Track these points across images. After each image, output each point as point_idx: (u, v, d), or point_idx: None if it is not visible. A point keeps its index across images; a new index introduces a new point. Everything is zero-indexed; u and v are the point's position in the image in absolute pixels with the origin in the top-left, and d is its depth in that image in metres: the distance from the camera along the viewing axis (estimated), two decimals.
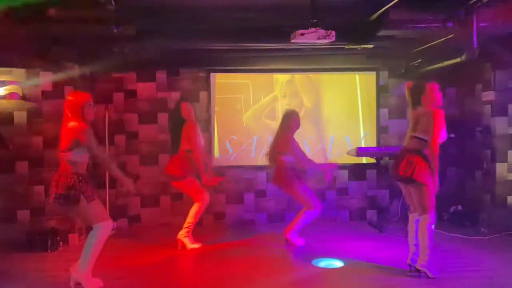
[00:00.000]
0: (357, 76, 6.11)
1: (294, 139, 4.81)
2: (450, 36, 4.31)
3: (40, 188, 5.05)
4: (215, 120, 5.97)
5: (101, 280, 3.67)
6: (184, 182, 4.81)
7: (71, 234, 5.06)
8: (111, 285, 3.71)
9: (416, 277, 3.80)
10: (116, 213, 5.75)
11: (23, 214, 5.07)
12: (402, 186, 3.93)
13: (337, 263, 4.25)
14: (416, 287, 3.70)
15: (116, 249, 4.87)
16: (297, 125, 4.89)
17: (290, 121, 4.87)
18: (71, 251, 4.72)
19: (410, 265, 3.88)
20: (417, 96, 3.84)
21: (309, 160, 4.81)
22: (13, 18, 3.74)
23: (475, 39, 4.10)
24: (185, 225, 4.81)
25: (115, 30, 3.91)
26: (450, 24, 4.06)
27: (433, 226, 3.74)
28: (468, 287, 3.62)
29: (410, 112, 3.96)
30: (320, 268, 4.17)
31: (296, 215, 4.87)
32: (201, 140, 4.83)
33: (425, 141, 3.72)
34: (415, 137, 3.80)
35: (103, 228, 3.58)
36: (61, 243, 4.90)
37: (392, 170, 3.95)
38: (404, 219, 5.40)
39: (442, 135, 3.75)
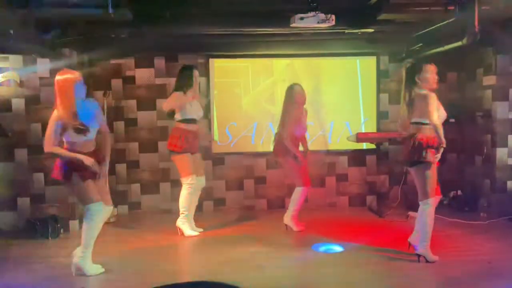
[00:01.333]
0: (357, 61, 6.06)
1: (297, 115, 4.76)
2: (451, 19, 4.25)
3: (39, 175, 5.05)
4: (215, 106, 5.93)
5: (102, 266, 3.70)
6: (178, 158, 4.75)
7: (71, 220, 5.07)
8: (112, 271, 3.74)
9: (415, 261, 3.81)
10: (117, 199, 5.75)
11: (23, 202, 5.07)
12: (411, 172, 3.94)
13: (337, 248, 4.27)
14: (415, 271, 3.72)
15: (117, 235, 4.89)
16: (301, 98, 4.81)
17: (294, 94, 4.80)
18: (72, 237, 4.72)
19: (410, 244, 3.89)
20: (412, 75, 3.83)
21: (292, 143, 4.76)
22: (8, 2, 3.68)
23: (476, 22, 4.06)
24: (180, 211, 4.77)
25: (112, 15, 3.85)
26: (451, 7, 4.02)
27: (432, 211, 3.75)
28: (467, 271, 3.64)
29: (403, 95, 3.89)
30: (320, 253, 4.19)
31: (291, 199, 4.90)
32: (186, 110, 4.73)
33: (423, 124, 3.73)
34: (413, 122, 3.81)
35: (93, 211, 3.56)
36: (62, 230, 4.91)
37: (402, 157, 4.04)
38: (404, 205, 5.46)
39: (441, 114, 3.77)
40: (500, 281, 3.45)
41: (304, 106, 4.91)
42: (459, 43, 4.44)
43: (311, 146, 5.54)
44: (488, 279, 3.47)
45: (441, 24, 4.45)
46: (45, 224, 4.78)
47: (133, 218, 5.66)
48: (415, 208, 4.05)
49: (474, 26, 4.08)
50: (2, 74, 4.88)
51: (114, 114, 5.79)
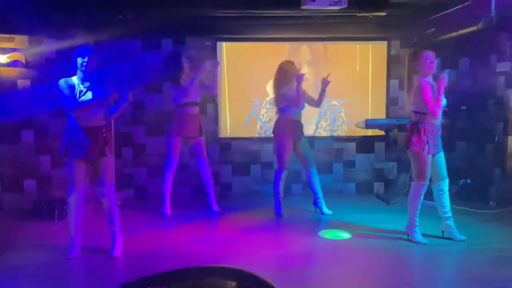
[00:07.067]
0: (370, 46, 5.93)
1: (287, 90, 4.72)
2: (467, 3, 4.14)
3: (46, 158, 5.03)
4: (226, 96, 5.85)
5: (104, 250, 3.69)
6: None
7: None
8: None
9: (424, 249, 3.77)
10: (123, 183, 5.75)
11: (30, 184, 5.07)
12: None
13: (344, 235, 4.23)
14: (424, 259, 3.68)
15: (123, 218, 4.88)
16: (292, 74, 4.71)
17: (286, 72, 4.73)
18: None
19: (443, 232, 4.07)
20: (412, 64, 3.91)
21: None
22: None
23: (492, 6, 3.94)
24: None
25: None
26: None
27: (413, 195, 3.95)
28: (477, 260, 3.60)
29: (406, 83, 3.98)
30: (327, 239, 4.15)
31: None
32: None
33: (420, 113, 3.84)
34: (412, 111, 3.95)
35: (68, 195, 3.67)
36: None
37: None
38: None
39: (438, 102, 3.79)
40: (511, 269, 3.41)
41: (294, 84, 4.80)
42: (474, 28, 4.33)
43: (320, 131, 5.48)
44: (499, 268, 3.43)
45: (456, 7, 4.33)
46: (52, 206, 4.77)
47: (139, 202, 5.64)
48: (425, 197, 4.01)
49: (490, 10, 3.96)
50: (8, 55, 4.83)
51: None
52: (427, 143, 3.81)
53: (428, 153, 3.84)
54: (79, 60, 3.49)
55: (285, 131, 4.77)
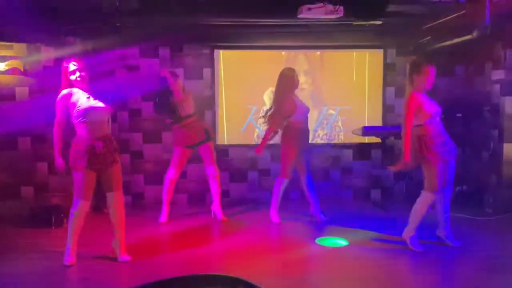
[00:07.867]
0: (366, 54, 5.98)
1: (296, 99, 4.74)
2: (462, 12, 4.19)
3: (43, 165, 5.03)
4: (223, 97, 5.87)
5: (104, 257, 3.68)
6: None
7: None
8: (114, 262, 3.73)
9: (421, 257, 3.78)
10: None
11: (27, 191, 5.07)
12: None
13: (341, 242, 4.24)
14: (421, 267, 3.69)
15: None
16: (297, 84, 4.77)
17: (291, 79, 4.72)
18: None
19: (439, 237, 4.09)
20: (411, 73, 3.86)
21: None
22: None
23: (487, 15, 3.99)
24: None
25: (117, 4, 3.82)
26: None
27: (420, 202, 3.96)
28: (473, 267, 3.61)
29: (407, 90, 3.96)
30: (324, 246, 4.16)
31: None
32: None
33: (420, 125, 3.84)
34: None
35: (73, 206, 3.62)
36: (65, 220, 4.88)
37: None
38: (410, 199, 5.41)
39: (428, 111, 3.80)
40: (509, 276, 3.42)
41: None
42: (468, 37, 4.38)
43: (317, 139, 5.49)
44: (496, 275, 3.44)
45: (451, 16, 4.38)
46: (49, 213, 4.77)
47: (136, 209, 5.63)
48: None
49: (485, 19, 4.01)
50: (6, 62, 4.85)
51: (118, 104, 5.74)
52: (440, 152, 3.77)
53: (445, 160, 3.80)
54: (73, 77, 3.52)
55: (294, 140, 4.72)
